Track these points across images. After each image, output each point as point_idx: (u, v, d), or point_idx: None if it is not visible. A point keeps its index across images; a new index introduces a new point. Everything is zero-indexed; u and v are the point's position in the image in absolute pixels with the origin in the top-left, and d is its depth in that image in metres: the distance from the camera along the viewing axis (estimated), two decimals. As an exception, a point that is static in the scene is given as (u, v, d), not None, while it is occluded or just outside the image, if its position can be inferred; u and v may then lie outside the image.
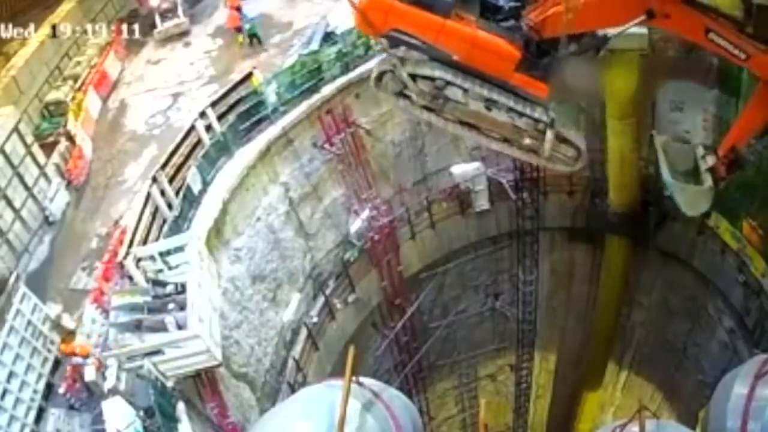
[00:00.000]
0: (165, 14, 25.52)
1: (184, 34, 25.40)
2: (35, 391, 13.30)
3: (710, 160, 16.70)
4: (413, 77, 11.90)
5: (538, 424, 28.63)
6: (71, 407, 13.14)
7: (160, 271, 13.11)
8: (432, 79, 11.74)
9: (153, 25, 25.54)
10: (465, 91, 11.81)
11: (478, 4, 11.38)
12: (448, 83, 11.70)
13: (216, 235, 15.32)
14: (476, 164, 20.51)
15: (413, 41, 11.30)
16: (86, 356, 13.21)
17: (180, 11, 25.46)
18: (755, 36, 11.56)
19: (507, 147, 12.87)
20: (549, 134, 12.22)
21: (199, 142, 16.53)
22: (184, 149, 16.23)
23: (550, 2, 11.40)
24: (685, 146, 17.73)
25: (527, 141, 12.48)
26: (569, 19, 11.14)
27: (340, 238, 19.62)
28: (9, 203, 16.67)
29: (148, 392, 12.03)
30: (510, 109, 12.03)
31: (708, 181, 16.84)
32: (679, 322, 20.84)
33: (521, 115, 12.07)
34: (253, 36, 23.02)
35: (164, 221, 14.99)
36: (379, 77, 12.23)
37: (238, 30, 23.39)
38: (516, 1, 11.50)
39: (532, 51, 11.41)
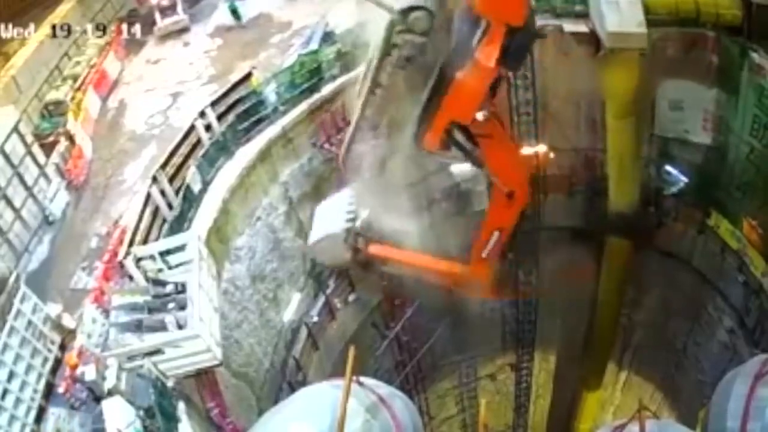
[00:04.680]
0: (164, 11, 25.70)
1: (184, 30, 25.52)
2: (35, 391, 13.28)
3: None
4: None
5: (538, 424, 28.63)
6: (71, 407, 13.13)
7: (161, 270, 13.06)
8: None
9: (153, 24, 25.65)
10: None
11: None
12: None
13: (216, 234, 15.31)
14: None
15: None
16: (75, 367, 13.23)
17: (179, 8, 25.68)
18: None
19: None
20: None
21: (198, 141, 16.50)
22: (183, 149, 16.19)
23: None
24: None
25: None
26: None
27: (341, 238, 19.58)
28: (9, 203, 16.68)
29: (148, 392, 11.99)
30: None
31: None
32: (679, 322, 20.83)
33: None
34: (233, 12, 24.17)
35: (164, 221, 14.95)
36: (408, 11, 11.35)
37: None
38: None
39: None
